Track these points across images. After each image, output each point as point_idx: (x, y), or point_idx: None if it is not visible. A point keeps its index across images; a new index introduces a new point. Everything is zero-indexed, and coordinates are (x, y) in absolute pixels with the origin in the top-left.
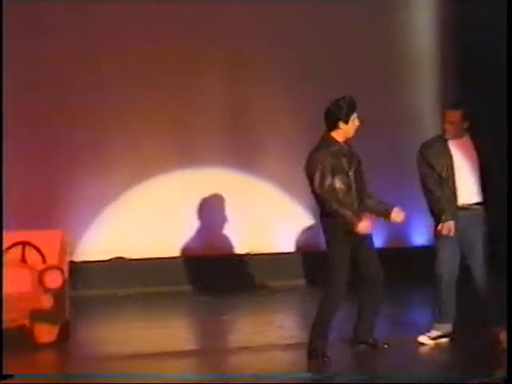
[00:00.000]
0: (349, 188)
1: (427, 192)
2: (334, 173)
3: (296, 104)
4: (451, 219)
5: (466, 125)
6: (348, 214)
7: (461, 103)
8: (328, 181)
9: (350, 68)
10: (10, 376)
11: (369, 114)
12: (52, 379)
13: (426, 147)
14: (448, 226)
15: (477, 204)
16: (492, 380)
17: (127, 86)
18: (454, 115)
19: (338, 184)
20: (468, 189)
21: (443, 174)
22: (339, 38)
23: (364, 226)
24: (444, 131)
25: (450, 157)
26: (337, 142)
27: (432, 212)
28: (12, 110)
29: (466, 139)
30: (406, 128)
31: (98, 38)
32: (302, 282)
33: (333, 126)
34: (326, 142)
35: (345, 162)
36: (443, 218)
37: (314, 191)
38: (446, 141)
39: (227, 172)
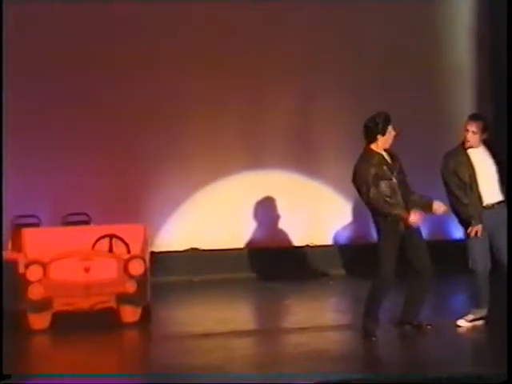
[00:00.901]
0: (394, 191)
1: (454, 199)
2: (378, 181)
3: (352, 108)
4: (479, 223)
5: (484, 135)
6: (398, 211)
7: (481, 115)
8: (373, 189)
9: (399, 73)
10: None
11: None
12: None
13: (449, 157)
14: (477, 229)
15: (499, 202)
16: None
17: (203, 94)
18: (476, 126)
19: (384, 189)
20: (490, 191)
21: (467, 181)
22: (389, 46)
23: (415, 218)
24: (465, 141)
25: (472, 165)
26: (377, 153)
27: (458, 215)
28: (98, 110)
29: (482, 149)
30: (444, 132)
31: (169, 41)
32: (353, 270)
33: (372, 139)
34: (367, 154)
35: (387, 169)
36: (472, 222)
37: (363, 200)
38: (466, 150)
39: (288, 174)
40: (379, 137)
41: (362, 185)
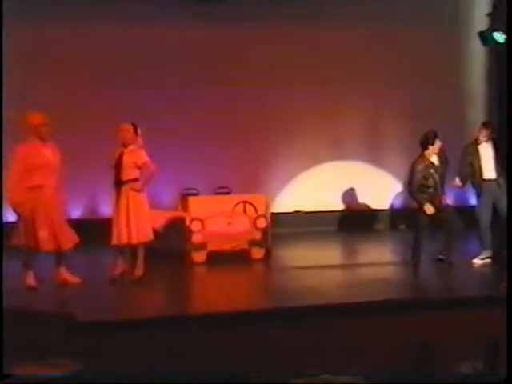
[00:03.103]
0: (435, 187)
1: (467, 174)
2: (424, 178)
3: (414, 110)
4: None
5: (492, 135)
6: (422, 201)
7: (490, 122)
8: (415, 183)
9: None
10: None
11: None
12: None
13: (465, 148)
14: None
15: (496, 179)
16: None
17: (304, 88)
18: (486, 130)
19: (426, 185)
20: (490, 170)
21: (475, 164)
22: (421, 56)
23: (429, 210)
24: (478, 138)
25: (479, 153)
26: (427, 158)
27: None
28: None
29: (488, 143)
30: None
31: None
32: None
33: (425, 148)
34: (422, 157)
35: (433, 170)
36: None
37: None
38: (478, 145)
39: (363, 164)
40: (430, 147)
41: (410, 177)
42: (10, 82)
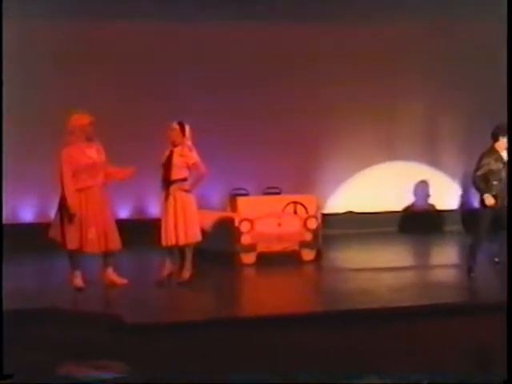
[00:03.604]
0: (500, 180)
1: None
2: (491, 171)
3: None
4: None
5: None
6: (483, 191)
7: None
8: (480, 172)
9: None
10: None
11: None
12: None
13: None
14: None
15: None
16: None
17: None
18: (504, 141)
19: (492, 178)
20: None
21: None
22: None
23: (489, 201)
24: (496, 147)
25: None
26: (497, 151)
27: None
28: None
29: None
30: None
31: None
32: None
33: (496, 139)
34: (492, 150)
35: (501, 165)
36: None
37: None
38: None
39: (419, 165)
40: (500, 138)
41: (477, 167)
42: (49, 83)
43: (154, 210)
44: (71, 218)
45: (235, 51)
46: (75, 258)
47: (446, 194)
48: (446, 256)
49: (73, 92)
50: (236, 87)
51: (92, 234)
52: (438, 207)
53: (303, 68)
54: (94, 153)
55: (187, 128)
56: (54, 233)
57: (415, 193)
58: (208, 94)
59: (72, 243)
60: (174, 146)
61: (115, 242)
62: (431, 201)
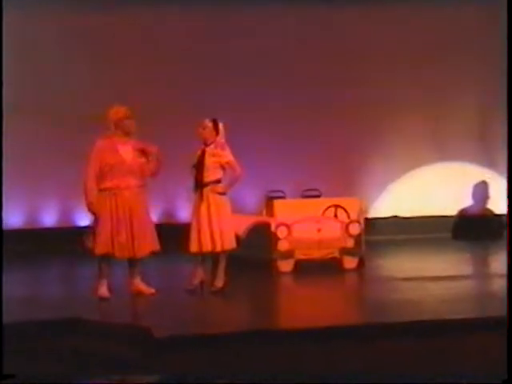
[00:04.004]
0: None
1: None
2: None
3: None
4: None
5: None
6: None
7: None
8: None
9: None
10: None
11: None
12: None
13: None
14: None
15: None
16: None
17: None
18: None
19: None
20: None
21: None
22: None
23: None
24: None
25: None
26: None
27: None
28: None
29: None
30: None
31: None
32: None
33: None
34: None
35: None
36: None
37: None
38: None
39: (470, 166)
40: None
41: None
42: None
43: (183, 213)
44: (96, 219)
45: (277, 46)
46: (105, 264)
47: (504, 197)
48: (502, 265)
49: (104, 89)
50: (274, 83)
51: (122, 237)
52: (496, 211)
53: (349, 66)
54: (127, 151)
55: (221, 125)
56: (86, 238)
57: (469, 195)
58: (242, 91)
59: (101, 247)
60: (206, 144)
61: (144, 249)
62: (488, 204)
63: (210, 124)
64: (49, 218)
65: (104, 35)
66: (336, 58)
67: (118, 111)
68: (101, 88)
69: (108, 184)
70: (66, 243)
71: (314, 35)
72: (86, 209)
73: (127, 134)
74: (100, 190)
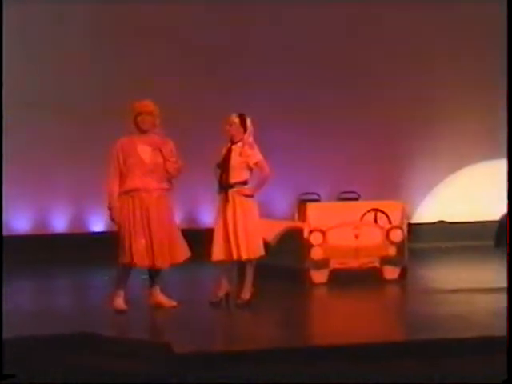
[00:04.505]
0: None
1: None
2: None
3: None
4: None
5: None
6: None
7: None
8: None
9: None
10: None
11: None
12: None
13: None
14: None
15: None
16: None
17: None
18: None
19: None
20: None
21: None
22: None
23: None
24: None
25: None
26: None
27: None
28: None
29: None
30: None
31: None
32: None
33: None
34: None
35: None
36: None
37: None
38: None
39: None
40: None
41: None
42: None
43: (207, 218)
44: (118, 226)
45: (302, 49)
46: (124, 274)
47: None
48: None
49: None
50: (310, 80)
51: (141, 245)
52: None
53: (389, 66)
54: (145, 150)
55: (248, 121)
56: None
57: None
58: (273, 90)
59: (125, 257)
60: (233, 142)
61: (164, 259)
62: None
63: (236, 120)
64: (59, 223)
65: (120, 28)
66: (379, 58)
67: (133, 107)
68: (116, 85)
69: (126, 186)
70: (78, 250)
71: (362, 32)
72: (108, 215)
73: (143, 131)
74: (119, 194)
